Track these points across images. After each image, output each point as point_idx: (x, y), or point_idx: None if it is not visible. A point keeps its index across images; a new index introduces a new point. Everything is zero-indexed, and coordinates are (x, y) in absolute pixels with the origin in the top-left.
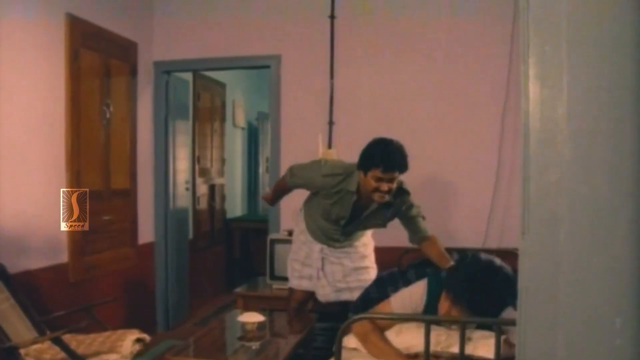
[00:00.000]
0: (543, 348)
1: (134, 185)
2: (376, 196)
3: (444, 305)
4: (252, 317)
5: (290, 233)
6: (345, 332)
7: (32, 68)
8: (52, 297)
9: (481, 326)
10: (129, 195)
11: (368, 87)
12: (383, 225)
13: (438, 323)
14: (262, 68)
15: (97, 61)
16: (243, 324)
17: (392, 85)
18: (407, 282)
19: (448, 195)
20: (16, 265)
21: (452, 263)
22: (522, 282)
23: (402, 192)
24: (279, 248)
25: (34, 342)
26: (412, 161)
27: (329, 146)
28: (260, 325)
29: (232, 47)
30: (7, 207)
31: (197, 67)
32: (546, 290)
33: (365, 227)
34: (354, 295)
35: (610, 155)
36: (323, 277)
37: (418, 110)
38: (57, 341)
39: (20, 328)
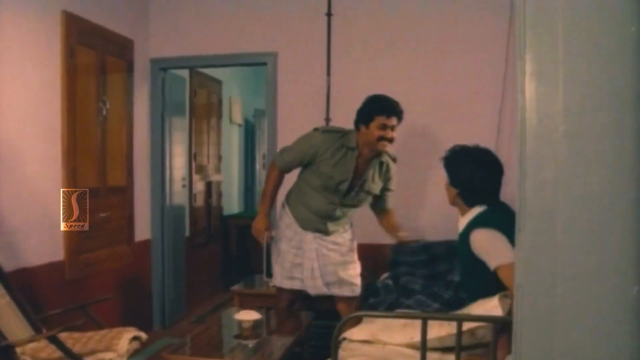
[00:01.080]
0: (540, 344)
1: (130, 183)
2: (381, 145)
3: (449, 193)
4: (249, 315)
5: None
6: (342, 330)
7: (28, 65)
8: (48, 295)
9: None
10: (126, 192)
11: (364, 84)
12: (377, 191)
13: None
14: (258, 65)
15: (93, 58)
16: (240, 322)
17: (388, 82)
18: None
19: (443, 192)
20: (12, 262)
21: (402, 232)
22: (519, 279)
23: (392, 159)
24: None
25: (30, 341)
26: (408, 157)
27: None
28: (257, 323)
29: (228, 44)
30: (2, 204)
31: (193, 64)
32: (542, 287)
33: (365, 194)
34: (343, 290)
35: (606, 152)
36: (317, 269)
37: (414, 107)
38: (53, 339)
39: (16, 326)
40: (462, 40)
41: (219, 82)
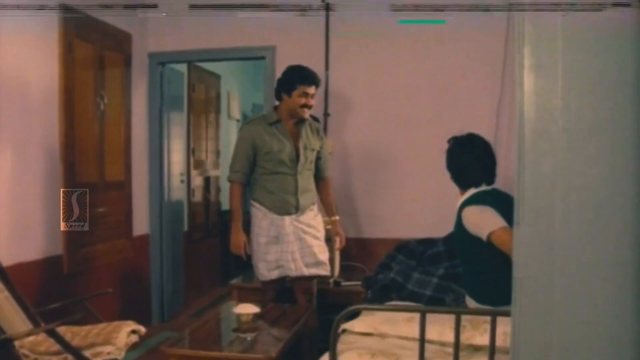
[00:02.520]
0: (538, 337)
1: (128, 177)
2: (302, 111)
3: None
4: (248, 309)
5: None
6: (341, 322)
7: (25, 59)
8: (47, 289)
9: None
10: (124, 187)
11: (363, 79)
12: (317, 147)
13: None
14: (257, 59)
15: (91, 52)
16: (238, 316)
17: (387, 77)
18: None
19: (443, 185)
20: (10, 257)
21: (336, 217)
22: (517, 272)
23: (315, 119)
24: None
25: (29, 334)
26: (407, 152)
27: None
28: (256, 317)
29: (226, 38)
30: (0, 198)
31: (191, 59)
32: (540, 280)
33: (310, 151)
34: (320, 270)
35: (605, 146)
36: (296, 251)
37: (413, 101)
38: (52, 333)
39: (14, 320)
40: (462, 34)
41: (217, 77)
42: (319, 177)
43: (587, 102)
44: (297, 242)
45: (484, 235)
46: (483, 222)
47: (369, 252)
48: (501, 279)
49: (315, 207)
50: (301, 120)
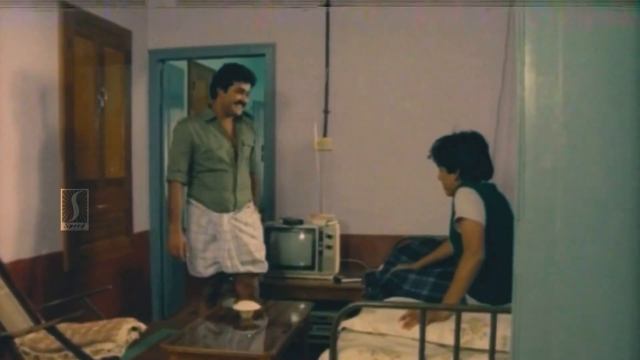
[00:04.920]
0: (538, 333)
1: (128, 174)
2: (236, 107)
3: (448, 181)
4: (248, 306)
5: (286, 221)
6: (341, 319)
7: (25, 56)
8: (47, 286)
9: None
10: (124, 183)
11: (363, 75)
12: (251, 142)
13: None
14: (257, 56)
15: (91, 49)
16: (239, 313)
17: (388, 73)
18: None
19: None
20: (10, 253)
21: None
22: (517, 269)
23: (247, 114)
24: (274, 236)
25: (29, 332)
26: (408, 149)
27: (324, 135)
28: (256, 314)
29: (227, 36)
30: (0, 195)
31: (192, 56)
32: (540, 276)
33: (247, 147)
34: (256, 268)
35: (605, 143)
36: (233, 249)
37: (413, 97)
38: (52, 330)
39: (14, 317)
40: (462, 31)
41: None
42: (250, 173)
43: (588, 99)
44: (233, 241)
45: (458, 215)
46: (466, 206)
47: (369, 249)
48: (498, 274)
49: (251, 204)
50: (236, 117)
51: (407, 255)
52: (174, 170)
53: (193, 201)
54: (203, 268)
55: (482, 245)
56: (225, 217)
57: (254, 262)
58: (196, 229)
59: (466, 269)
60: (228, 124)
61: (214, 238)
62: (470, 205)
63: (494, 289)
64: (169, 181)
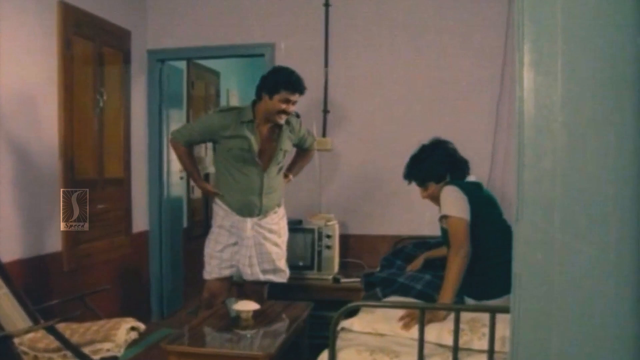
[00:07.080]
0: (537, 334)
1: (127, 174)
2: (280, 117)
3: (429, 192)
4: (247, 306)
5: None
6: (340, 319)
7: (24, 56)
8: (46, 285)
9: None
10: (123, 183)
11: (363, 76)
12: (289, 148)
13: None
14: (256, 56)
15: (90, 49)
16: (238, 313)
17: (387, 74)
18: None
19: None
20: (10, 253)
21: (290, 177)
22: (517, 269)
23: (294, 115)
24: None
25: (28, 331)
26: (407, 149)
27: (324, 135)
28: (255, 314)
29: (226, 36)
30: (0, 195)
31: (191, 56)
32: (540, 277)
33: (282, 153)
34: (277, 277)
35: (605, 143)
36: (254, 257)
37: (413, 97)
38: (51, 330)
39: (14, 317)
40: (462, 30)
41: (216, 74)
42: (307, 147)
43: (588, 99)
44: (255, 247)
45: (442, 212)
46: (450, 203)
47: (368, 249)
48: (482, 268)
49: (280, 209)
50: (276, 125)
51: (401, 259)
52: (181, 132)
53: (218, 201)
54: (218, 268)
55: (467, 240)
56: (249, 222)
57: (275, 271)
58: (218, 230)
59: (455, 264)
60: (266, 128)
61: (235, 242)
62: (454, 202)
63: (479, 283)
64: (171, 140)
